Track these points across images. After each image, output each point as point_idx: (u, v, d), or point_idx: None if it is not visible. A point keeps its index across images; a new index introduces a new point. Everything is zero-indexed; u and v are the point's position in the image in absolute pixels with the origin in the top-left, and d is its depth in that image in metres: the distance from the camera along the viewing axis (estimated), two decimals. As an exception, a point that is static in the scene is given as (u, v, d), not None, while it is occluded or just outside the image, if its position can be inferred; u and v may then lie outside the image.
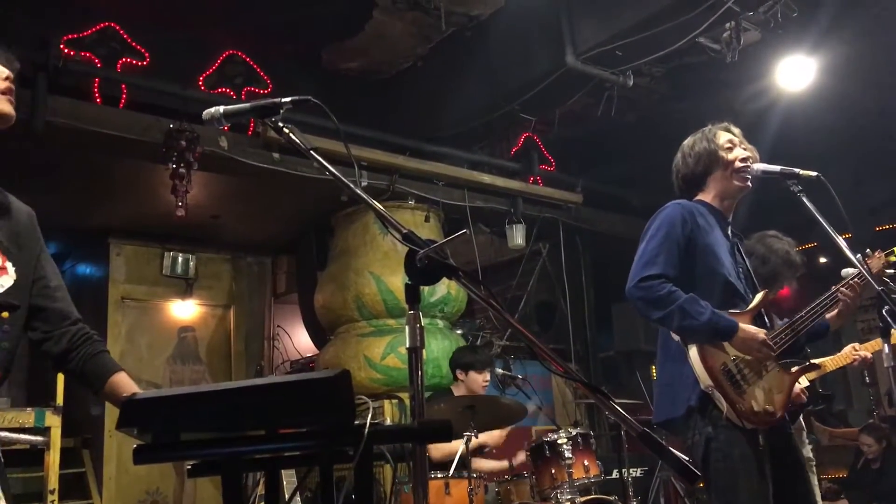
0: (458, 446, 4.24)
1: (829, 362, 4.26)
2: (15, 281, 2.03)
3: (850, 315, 3.14)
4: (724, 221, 3.01)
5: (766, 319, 2.95)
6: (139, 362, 7.22)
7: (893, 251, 3.15)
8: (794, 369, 2.88)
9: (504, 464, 4.91)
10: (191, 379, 7.48)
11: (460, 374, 4.94)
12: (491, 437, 4.86)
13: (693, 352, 2.72)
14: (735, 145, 3.00)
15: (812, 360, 3.05)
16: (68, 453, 6.34)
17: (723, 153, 2.97)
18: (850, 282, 2.98)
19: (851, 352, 4.24)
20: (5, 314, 2.00)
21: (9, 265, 2.03)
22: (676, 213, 2.87)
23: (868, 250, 3.12)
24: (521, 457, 4.79)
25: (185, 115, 5.49)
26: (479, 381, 4.86)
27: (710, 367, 2.69)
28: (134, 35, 5.83)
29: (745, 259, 3.06)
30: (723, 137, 3.01)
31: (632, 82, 6.12)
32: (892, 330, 2.84)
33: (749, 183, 2.97)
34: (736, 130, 3.07)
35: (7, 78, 2.04)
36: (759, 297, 2.88)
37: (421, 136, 6.87)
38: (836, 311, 3.10)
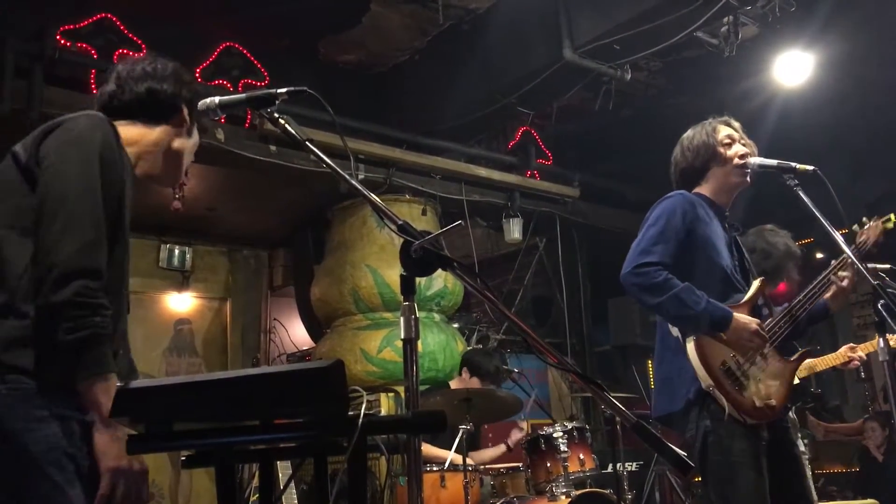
0: (448, 454, 4.28)
1: (821, 362, 4.24)
2: None
3: (846, 296, 3.07)
4: (722, 215, 3.01)
5: (766, 310, 2.94)
6: (135, 355, 7.04)
7: (891, 218, 3.08)
8: (792, 357, 2.88)
9: (501, 448, 4.90)
10: (187, 371, 7.47)
11: (465, 374, 4.92)
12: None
13: (691, 348, 2.70)
14: (734, 140, 2.99)
15: (807, 353, 3.03)
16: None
17: (721, 149, 2.96)
18: (842, 264, 2.94)
19: (848, 352, 4.21)
20: None
21: None
22: (678, 203, 2.87)
23: (864, 218, 3.06)
24: (515, 436, 4.78)
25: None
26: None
27: (709, 365, 2.67)
28: (130, 26, 5.80)
29: (743, 253, 3.05)
30: (722, 132, 3.00)
31: (629, 76, 6.11)
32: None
33: (748, 179, 2.97)
34: (736, 125, 3.07)
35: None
36: (754, 286, 2.87)
37: (418, 130, 6.85)
38: (831, 292, 3.02)
